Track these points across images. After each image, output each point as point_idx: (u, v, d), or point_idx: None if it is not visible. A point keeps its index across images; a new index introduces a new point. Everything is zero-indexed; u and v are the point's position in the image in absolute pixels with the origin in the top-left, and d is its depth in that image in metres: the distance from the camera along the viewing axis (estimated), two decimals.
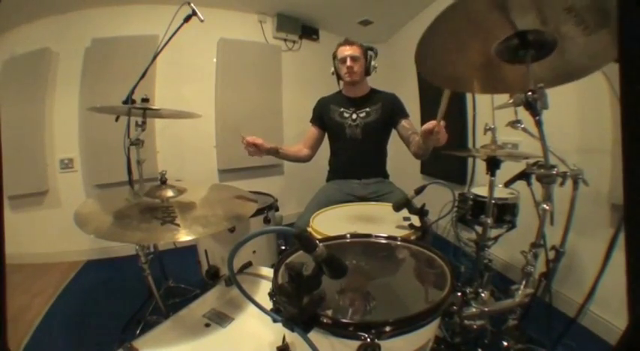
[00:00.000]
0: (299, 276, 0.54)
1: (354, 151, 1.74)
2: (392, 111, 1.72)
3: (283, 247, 0.81)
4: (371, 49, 1.71)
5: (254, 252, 1.33)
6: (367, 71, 1.70)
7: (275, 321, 0.56)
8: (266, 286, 0.80)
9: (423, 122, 1.31)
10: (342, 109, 1.75)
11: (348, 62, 1.64)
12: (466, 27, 0.83)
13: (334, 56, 1.72)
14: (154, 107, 1.39)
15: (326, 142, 1.88)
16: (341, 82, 1.78)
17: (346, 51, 1.65)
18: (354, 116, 1.73)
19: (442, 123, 1.12)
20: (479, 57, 0.93)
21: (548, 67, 0.91)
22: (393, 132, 1.78)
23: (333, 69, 1.76)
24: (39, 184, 2.36)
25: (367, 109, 1.72)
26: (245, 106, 2.87)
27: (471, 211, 1.45)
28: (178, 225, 0.87)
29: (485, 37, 0.86)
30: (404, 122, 1.68)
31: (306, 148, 1.83)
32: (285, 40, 3.05)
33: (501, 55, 0.91)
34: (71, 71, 2.36)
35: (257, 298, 0.61)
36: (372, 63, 1.69)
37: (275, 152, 1.60)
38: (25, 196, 2.32)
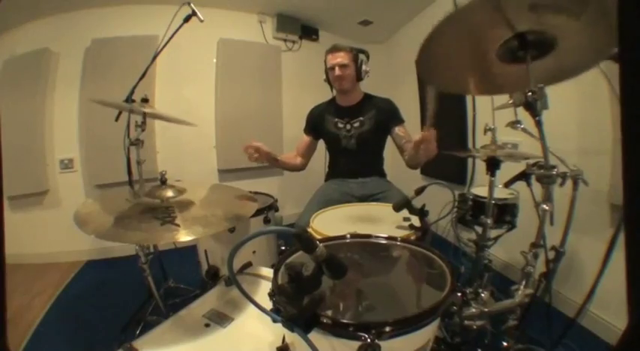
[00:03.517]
0: (299, 276, 0.54)
1: (350, 159, 1.73)
2: (386, 117, 1.67)
3: (283, 248, 0.81)
4: (362, 51, 1.67)
5: (254, 252, 1.33)
6: (358, 77, 1.65)
7: (275, 321, 0.56)
8: (266, 287, 0.80)
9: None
10: (336, 120, 1.73)
11: (337, 71, 1.61)
12: (466, 32, 0.83)
13: (325, 64, 1.69)
14: (148, 110, 1.37)
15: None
16: (334, 89, 1.75)
17: (334, 59, 1.62)
18: (348, 126, 1.70)
19: (432, 132, 1.01)
20: (478, 59, 0.93)
21: (547, 65, 0.91)
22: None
23: (325, 76, 1.72)
24: (39, 184, 2.36)
25: (361, 119, 1.69)
26: (245, 106, 2.87)
27: (471, 211, 1.45)
28: (178, 225, 0.87)
29: (485, 40, 0.86)
30: (397, 130, 1.65)
31: (300, 157, 1.83)
32: (285, 40, 3.05)
33: (501, 57, 0.91)
34: (71, 71, 2.36)
35: (257, 299, 0.61)
36: (364, 68, 1.64)
37: (273, 160, 1.58)
38: (25, 196, 2.32)
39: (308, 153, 1.84)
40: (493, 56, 0.91)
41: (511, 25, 0.79)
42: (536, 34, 0.81)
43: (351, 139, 1.71)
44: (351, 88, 1.67)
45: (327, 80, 1.73)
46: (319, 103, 1.86)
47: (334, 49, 1.64)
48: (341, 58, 1.62)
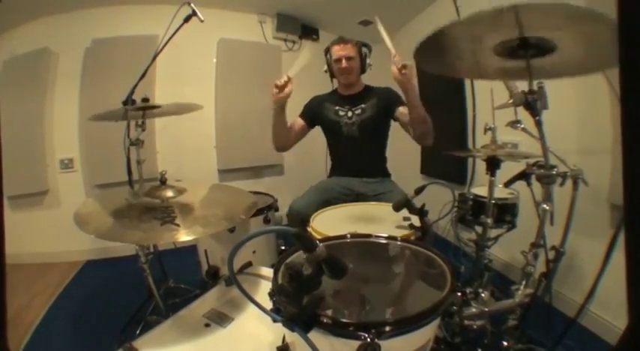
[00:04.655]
0: (299, 276, 0.54)
1: (352, 148, 1.72)
2: (388, 102, 1.66)
3: (283, 247, 0.81)
4: (365, 45, 1.69)
5: (254, 252, 1.33)
6: (362, 69, 1.69)
7: (275, 321, 0.56)
8: (266, 286, 0.80)
9: None
10: (337, 107, 1.73)
11: (344, 63, 1.62)
12: (469, 33, 0.83)
13: (328, 54, 1.69)
14: (149, 105, 1.36)
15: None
16: (334, 81, 1.76)
17: (341, 51, 1.62)
18: (350, 114, 1.70)
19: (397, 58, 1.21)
20: (475, 51, 0.92)
21: (545, 63, 0.91)
22: (393, 131, 1.77)
23: (326, 67, 1.71)
24: (39, 184, 2.36)
25: (362, 106, 1.70)
26: (245, 106, 2.87)
27: (471, 211, 1.45)
28: (178, 225, 0.87)
29: (485, 37, 0.86)
30: (401, 109, 1.61)
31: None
32: (285, 40, 3.05)
33: (499, 52, 0.90)
34: (71, 71, 2.36)
35: (257, 298, 0.61)
36: (367, 61, 1.67)
37: (282, 108, 1.57)
38: (25, 196, 2.32)
39: (296, 136, 1.75)
40: (490, 50, 0.90)
41: (521, 32, 0.78)
42: (537, 39, 0.81)
43: (352, 126, 1.70)
44: (355, 80, 1.69)
45: (330, 72, 1.71)
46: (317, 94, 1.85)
47: (341, 41, 1.64)
48: (348, 50, 1.62)
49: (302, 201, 1.52)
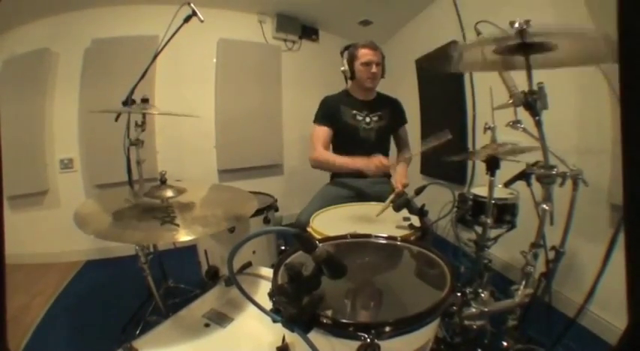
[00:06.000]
0: (298, 276, 0.54)
1: (366, 152, 1.69)
2: (399, 116, 1.80)
3: (283, 248, 0.81)
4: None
5: (254, 252, 1.33)
6: (382, 75, 1.73)
7: (275, 321, 0.56)
8: (266, 287, 0.80)
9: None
10: (354, 112, 1.72)
11: (374, 69, 1.64)
12: None
13: (349, 54, 1.68)
14: (150, 112, 1.36)
15: None
16: (349, 82, 1.76)
17: (372, 56, 1.63)
18: (368, 119, 1.72)
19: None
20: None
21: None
22: None
23: (345, 67, 1.70)
24: (39, 184, 2.36)
25: (379, 113, 1.73)
26: (245, 106, 2.87)
27: (471, 211, 1.45)
28: (178, 225, 0.87)
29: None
30: (400, 131, 1.82)
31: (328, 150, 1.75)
32: (285, 40, 3.05)
33: (498, 50, 0.89)
34: (71, 71, 2.36)
35: (257, 299, 0.61)
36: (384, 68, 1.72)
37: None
38: (25, 196, 2.32)
39: (329, 145, 1.74)
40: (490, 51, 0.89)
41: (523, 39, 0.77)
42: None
43: (370, 132, 1.73)
44: (376, 86, 1.74)
45: (351, 72, 1.69)
46: (328, 95, 1.82)
47: (373, 46, 1.65)
48: (378, 56, 1.65)
49: (310, 210, 1.44)
